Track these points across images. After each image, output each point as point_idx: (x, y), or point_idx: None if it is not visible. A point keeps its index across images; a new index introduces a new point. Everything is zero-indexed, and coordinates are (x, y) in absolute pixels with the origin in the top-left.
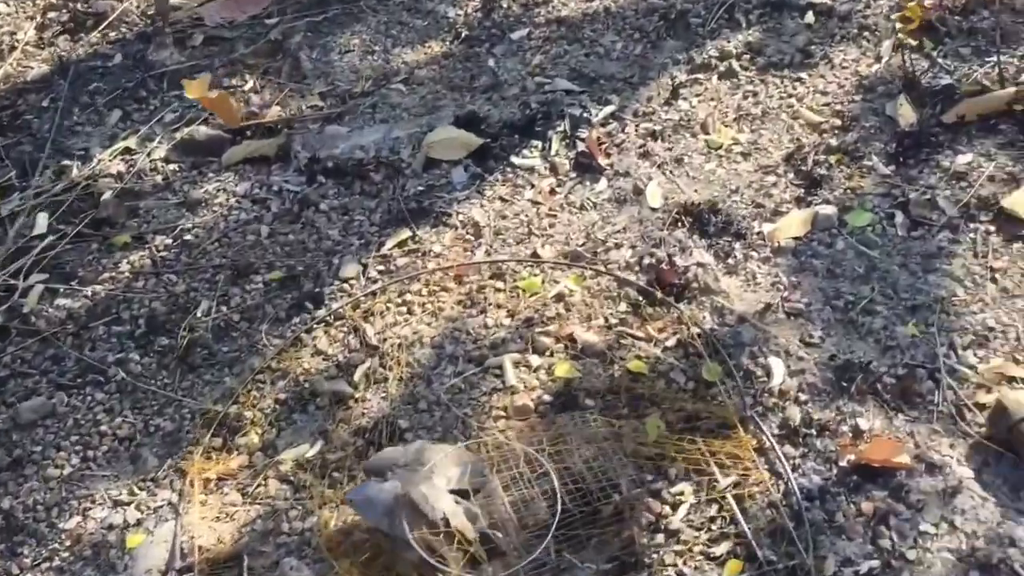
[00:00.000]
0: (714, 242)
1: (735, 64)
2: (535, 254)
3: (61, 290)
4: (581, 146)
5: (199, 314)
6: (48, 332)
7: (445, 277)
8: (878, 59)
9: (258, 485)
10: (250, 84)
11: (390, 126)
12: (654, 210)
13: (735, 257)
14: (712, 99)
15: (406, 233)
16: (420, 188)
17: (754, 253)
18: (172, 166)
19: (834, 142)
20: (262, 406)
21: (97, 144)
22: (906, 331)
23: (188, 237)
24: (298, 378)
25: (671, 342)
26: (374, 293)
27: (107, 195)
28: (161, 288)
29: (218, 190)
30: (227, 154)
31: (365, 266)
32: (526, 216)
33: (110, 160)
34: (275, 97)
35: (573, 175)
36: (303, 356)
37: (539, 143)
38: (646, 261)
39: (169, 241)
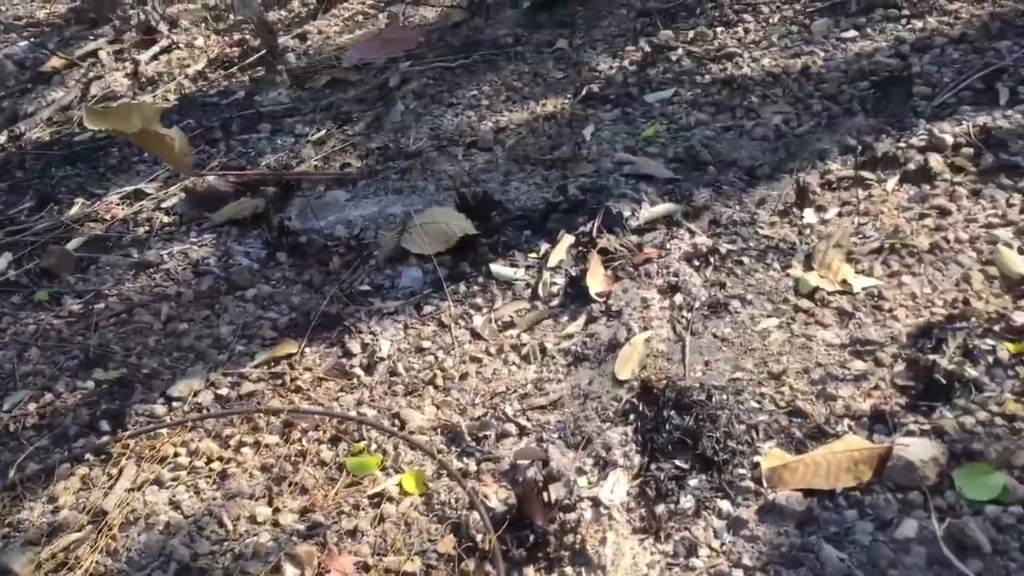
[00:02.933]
0: (660, 466)
1: (943, 161)
2: (398, 417)
3: None
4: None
5: (5, 406)
6: None
7: (271, 423)
8: None
9: None
10: (322, 132)
11: (397, 199)
12: (617, 383)
13: (676, 502)
14: (864, 213)
15: (291, 348)
16: (365, 287)
17: (720, 504)
18: (169, 218)
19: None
20: None
21: (137, 183)
22: None
23: (99, 305)
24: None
25: None
26: (173, 426)
27: (72, 243)
28: (5, 365)
29: (180, 253)
30: (218, 212)
31: (209, 384)
32: (444, 355)
33: (118, 203)
34: (331, 147)
35: (556, 303)
36: (26, 504)
37: (546, 246)
38: (528, 473)
39: (76, 307)
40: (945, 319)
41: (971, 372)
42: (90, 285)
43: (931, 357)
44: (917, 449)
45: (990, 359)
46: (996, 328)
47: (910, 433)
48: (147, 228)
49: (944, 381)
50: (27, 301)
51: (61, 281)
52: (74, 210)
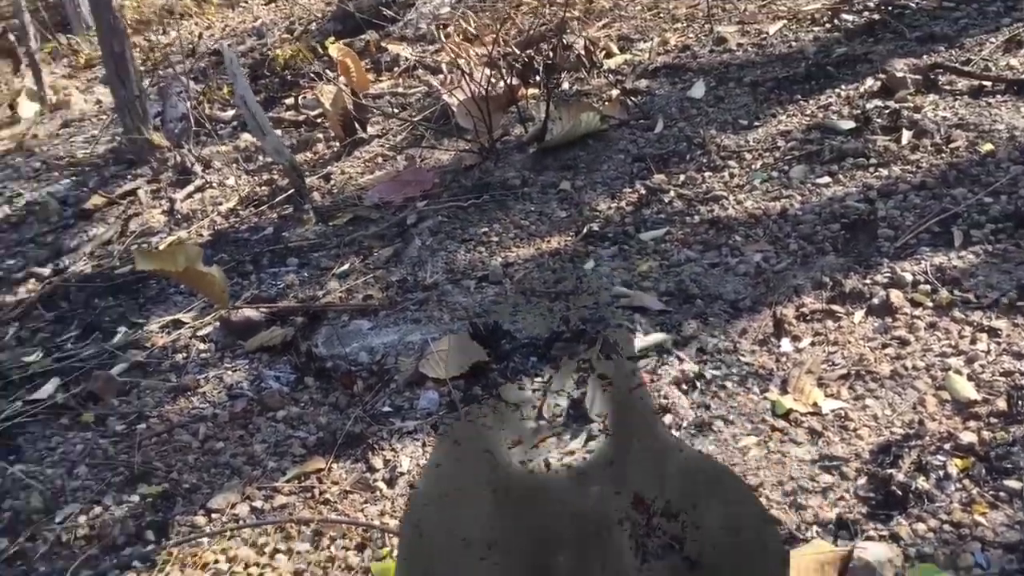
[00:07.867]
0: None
1: (904, 296)
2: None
3: None
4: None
5: (58, 518)
6: None
7: (302, 532)
8: None
9: None
10: (346, 265)
11: (415, 328)
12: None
13: None
14: (834, 343)
15: (319, 464)
16: (387, 408)
17: None
18: (204, 345)
19: (972, 438)
20: None
21: (175, 313)
22: None
23: (141, 426)
24: None
25: None
26: (213, 535)
27: (115, 368)
28: (57, 481)
29: (215, 377)
30: (250, 340)
31: (244, 497)
32: None
33: (158, 331)
34: (354, 280)
35: (559, 423)
36: None
37: (550, 371)
38: None
39: (120, 428)
40: (902, 438)
41: (924, 484)
42: (132, 407)
43: (889, 471)
44: (876, 552)
45: (941, 473)
46: (946, 446)
47: (870, 538)
48: (184, 355)
49: (900, 492)
50: (75, 422)
51: (105, 404)
52: (117, 338)
